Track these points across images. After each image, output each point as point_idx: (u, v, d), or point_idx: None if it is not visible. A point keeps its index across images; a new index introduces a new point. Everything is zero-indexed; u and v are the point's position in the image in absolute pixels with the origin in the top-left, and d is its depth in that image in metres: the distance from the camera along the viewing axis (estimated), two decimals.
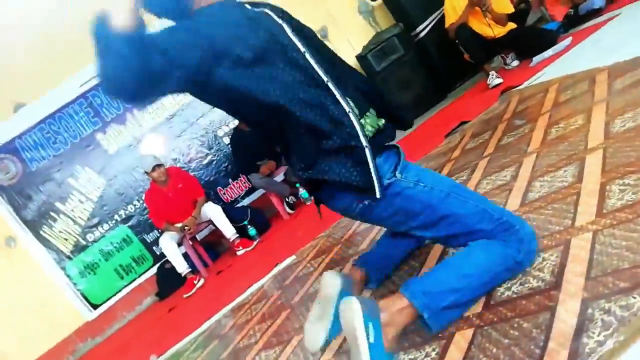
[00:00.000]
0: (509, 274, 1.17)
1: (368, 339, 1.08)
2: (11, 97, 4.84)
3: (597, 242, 1.11)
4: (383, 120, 1.31)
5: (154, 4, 1.25)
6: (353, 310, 1.11)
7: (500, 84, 3.47)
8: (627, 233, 1.07)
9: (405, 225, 1.25)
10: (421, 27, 4.59)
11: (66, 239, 4.87)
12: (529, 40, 3.57)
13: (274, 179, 4.46)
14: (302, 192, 4.31)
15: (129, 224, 4.99)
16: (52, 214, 4.84)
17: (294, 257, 2.86)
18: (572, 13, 3.78)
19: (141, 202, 4.95)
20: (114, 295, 4.89)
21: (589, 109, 1.93)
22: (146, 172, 4.24)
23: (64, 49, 4.64)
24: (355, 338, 1.09)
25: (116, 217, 4.98)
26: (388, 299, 1.17)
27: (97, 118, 4.98)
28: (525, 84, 3.08)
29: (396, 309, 1.14)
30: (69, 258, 4.86)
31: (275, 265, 2.90)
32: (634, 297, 0.88)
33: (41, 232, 4.81)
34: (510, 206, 1.58)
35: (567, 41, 3.34)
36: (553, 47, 3.37)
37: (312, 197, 1.40)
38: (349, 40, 5.24)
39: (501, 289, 1.18)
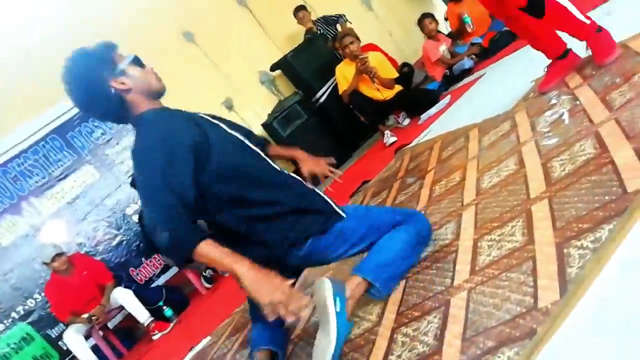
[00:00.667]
0: (421, 247, 1.60)
1: (335, 308, 1.36)
2: None
3: (471, 300, 1.20)
4: None
5: (97, 112, 1.48)
6: (325, 286, 1.39)
7: (395, 142, 3.72)
8: (494, 290, 1.17)
9: (343, 246, 1.52)
10: (320, 93, 4.85)
11: None
12: (415, 100, 3.91)
13: None
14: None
15: (29, 320, 4.51)
16: None
17: (209, 338, 2.74)
18: (448, 73, 4.22)
19: (40, 296, 4.53)
20: None
21: (464, 165, 2.12)
22: (45, 263, 3.93)
23: None
24: (326, 307, 1.36)
25: (13, 314, 4.49)
26: (348, 280, 1.48)
27: None
28: (415, 141, 3.33)
29: (354, 284, 1.47)
30: None
31: (191, 349, 2.76)
32: (499, 356, 0.95)
33: None
34: None
35: (447, 99, 3.69)
36: (436, 105, 3.71)
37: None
38: (254, 109, 5.38)
39: (392, 357, 1.22)
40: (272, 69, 5.36)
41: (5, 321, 4.46)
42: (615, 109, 1.55)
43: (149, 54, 1.77)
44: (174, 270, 4.77)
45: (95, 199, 4.92)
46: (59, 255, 3.93)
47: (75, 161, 4.90)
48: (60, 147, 4.88)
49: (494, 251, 1.32)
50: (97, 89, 1.38)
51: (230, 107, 5.44)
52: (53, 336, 4.55)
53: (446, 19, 4.97)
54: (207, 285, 4.30)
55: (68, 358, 4.40)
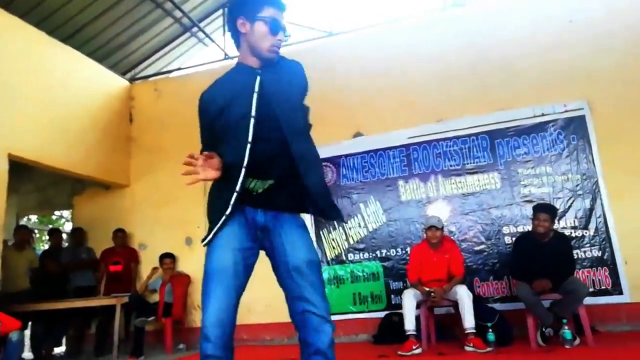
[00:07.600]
0: None
1: None
2: (355, 126, 5.83)
3: None
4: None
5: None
6: None
7: None
8: None
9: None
10: None
11: (333, 247, 5.56)
12: None
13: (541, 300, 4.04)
14: (566, 331, 3.78)
15: (385, 264, 5.35)
16: (335, 223, 5.60)
17: None
18: None
19: (402, 251, 5.28)
20: (340, 314, 5.30)
21: None
22: (425, 228, 4.47)
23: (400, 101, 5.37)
24: None
25: (378, 252, 5.41)
26: None
27: (407, 168, 5.53)
28: None
29: None
30: (328, 264, 5.53)
31: None
32: None
33: (320, 232, 5.64)
34: None
35: None
36: None
37: None
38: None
39: None
40: None
41: (370, 253, 5.43)
42: None
43: None
44: (515, 305, 4.57)
45: (485, 203, 5.20)
46: (437, 229, 4.38)
47: (489, 165, 5.26)
48: (485, 147, 5.32)
49: None
50: None
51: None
52: (391, 287, 5.27)
53: None
54: (541, 343, 3.95)
55: (390, 311, 5.03)
